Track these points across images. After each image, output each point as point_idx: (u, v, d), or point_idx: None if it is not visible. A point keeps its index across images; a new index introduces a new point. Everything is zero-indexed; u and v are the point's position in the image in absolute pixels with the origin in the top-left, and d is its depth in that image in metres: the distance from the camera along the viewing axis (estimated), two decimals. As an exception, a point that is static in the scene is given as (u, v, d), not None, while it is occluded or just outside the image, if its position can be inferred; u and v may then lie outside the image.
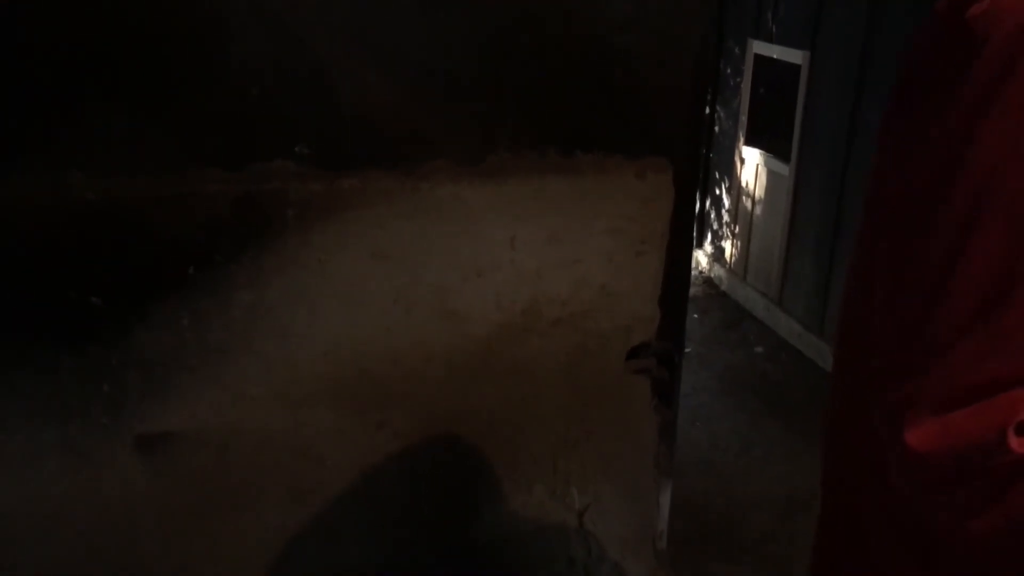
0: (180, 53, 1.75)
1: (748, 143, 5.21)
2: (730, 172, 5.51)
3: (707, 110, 5.65)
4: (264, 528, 2.04)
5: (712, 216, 5.79)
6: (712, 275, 5.75)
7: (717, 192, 5.73)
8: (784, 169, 4.73)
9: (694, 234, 2.49)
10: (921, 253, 0.73)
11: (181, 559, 2.01)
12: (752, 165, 5.17)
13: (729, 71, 5.53)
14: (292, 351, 1.93)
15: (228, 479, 1.99)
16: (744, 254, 5.23)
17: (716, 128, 5.74)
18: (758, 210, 5.09)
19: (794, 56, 4.65)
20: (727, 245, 5.52)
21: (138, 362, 1.84)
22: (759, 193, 5.08)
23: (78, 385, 1.83)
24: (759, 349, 4.54)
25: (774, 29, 4.88)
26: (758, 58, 5.08)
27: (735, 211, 5.41)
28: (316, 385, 1.97)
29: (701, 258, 5.85)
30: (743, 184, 5.31)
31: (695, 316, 5.05)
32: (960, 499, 0.70)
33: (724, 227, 5.60)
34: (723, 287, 5.52)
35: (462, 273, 1.98)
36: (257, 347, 1.90)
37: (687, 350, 4.55)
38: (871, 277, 0.82)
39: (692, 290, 5.71)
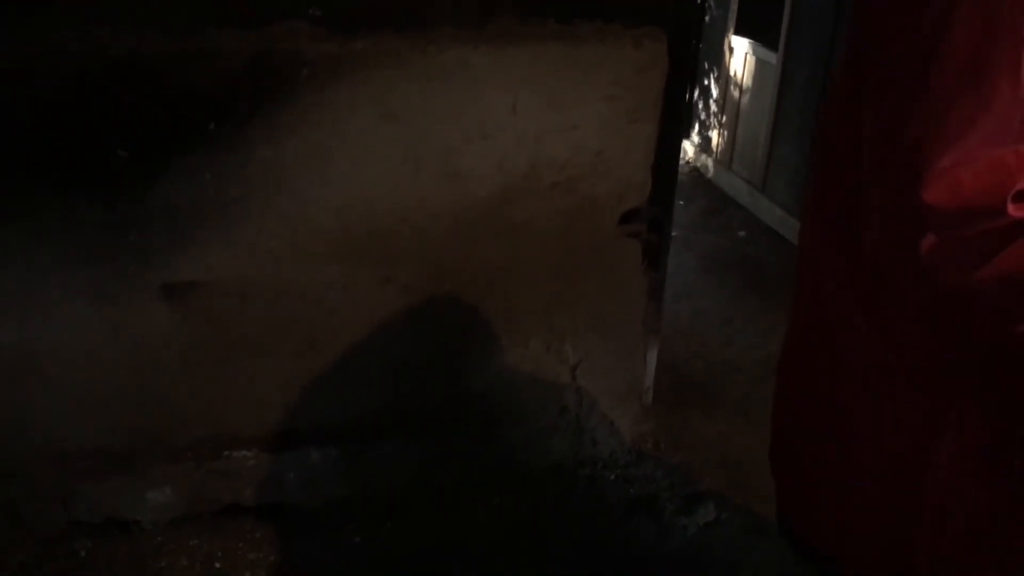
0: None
1: (737, 32, 5.25)
2: (719, 62, 5.55)
3: (698, -1, 5.67)
4: (280, 374, 2.20)
5: (700, 107, 5.86)
6: (698, 164, 5.85)
7: (705, 83, 5.78)
8: (772, 57, 4.78)
9: (685, 104, 2.58)
10: (942, 58, 0.84)
11: (204, 400, 2.17)
12: (740, 55, 5.22)
13: (720, -40, 5.53)
14: (306, 207, 2.04)
15: (247, 327, 2.13)
16: (730, 143, 5.33)
17: (706, 18, 5.75)
18: (745, 99, 5.17)
19: (786, -57, 4.67)
20: (714, 135, 5.60)
21: (163, 214, 1.96)
22: (747, 82, 5.15)
23: (106, 234, 1.95)
24: (742, 233, 4.68)
25: (766, -85, 4.88)
26: (749, -54, 5.09)
27: (723, 101, 5.48)
28: (328, 240, 2.09)
29: (688, 148, 5.94)
30: (731, 74, 5.36)
31: (681, 203, 5.17)
32: (968, 254, 0.84)
33: (711, 117, 5.67)
34: (708, 175, 5.63)
35: (467, 136, 2.08)
36: (273, 203, 2.02)
37: (673, 234, 4.70)
38: (858, 91, 0.94)
39: (679, 179, 5.82)
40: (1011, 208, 0.80)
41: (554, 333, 2.39)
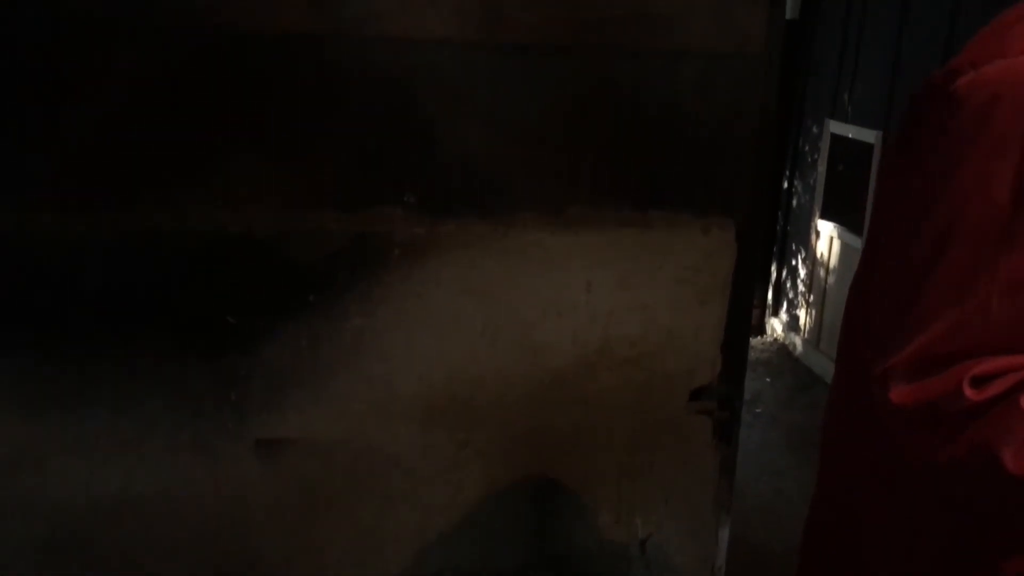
0: (308, 110, 2.08)
1: (823, 217, 5.40)
2: (806, 244, 5.68)
3: (785, 184, 5.86)
4: (359, 529, 2.30)
5: (788, 286, 5.95)
6: (787, 342, 5.88)
7: (793, 263, 5.89)
8: (857, 241, 4.89)
9: (755, 290, 2.69)
10: (909, 261, 0.99)
11: (285, 552, 2.28)
12: (827, 237, 5.35)
13: (807, 148, 5.74)
14: (391, 372, 2.20)
15: (331, 483, 2.26)
16: (818, 322, 5.37)
17: (794, 202, 5.92)
18: (831, 280, 5.24)
19: (868, 135, 4.87)
20: (801, 313, 5.66)
21: (262, 375, 2.15)
22: (833, 264, 5.25)
23: (211, 391, 2.14)
24: (828, 413, 4.65)
25: (850, 109, 5.11)
26: (834, 137, 5.30)
27: (810, 281, 5.56)
28: (410, 404, 2.23)
29: (776, 326, 6.00)
30: (818, 256, 5.47)
31: (768, 380, 5.19)
32: (933, 437, 0.94)
33: (799, 296, 5.74)
34: (796, 353, 5.64)
35: (543, 311, 2.23)
36: (362, 367, 2.19)
37: (758, 411, 4.69)
38: (869, 286, 1.06)
39: (766, 356, 5.82)
40: (969, 392, 0.90)
41: (624, 505, 2.43)
